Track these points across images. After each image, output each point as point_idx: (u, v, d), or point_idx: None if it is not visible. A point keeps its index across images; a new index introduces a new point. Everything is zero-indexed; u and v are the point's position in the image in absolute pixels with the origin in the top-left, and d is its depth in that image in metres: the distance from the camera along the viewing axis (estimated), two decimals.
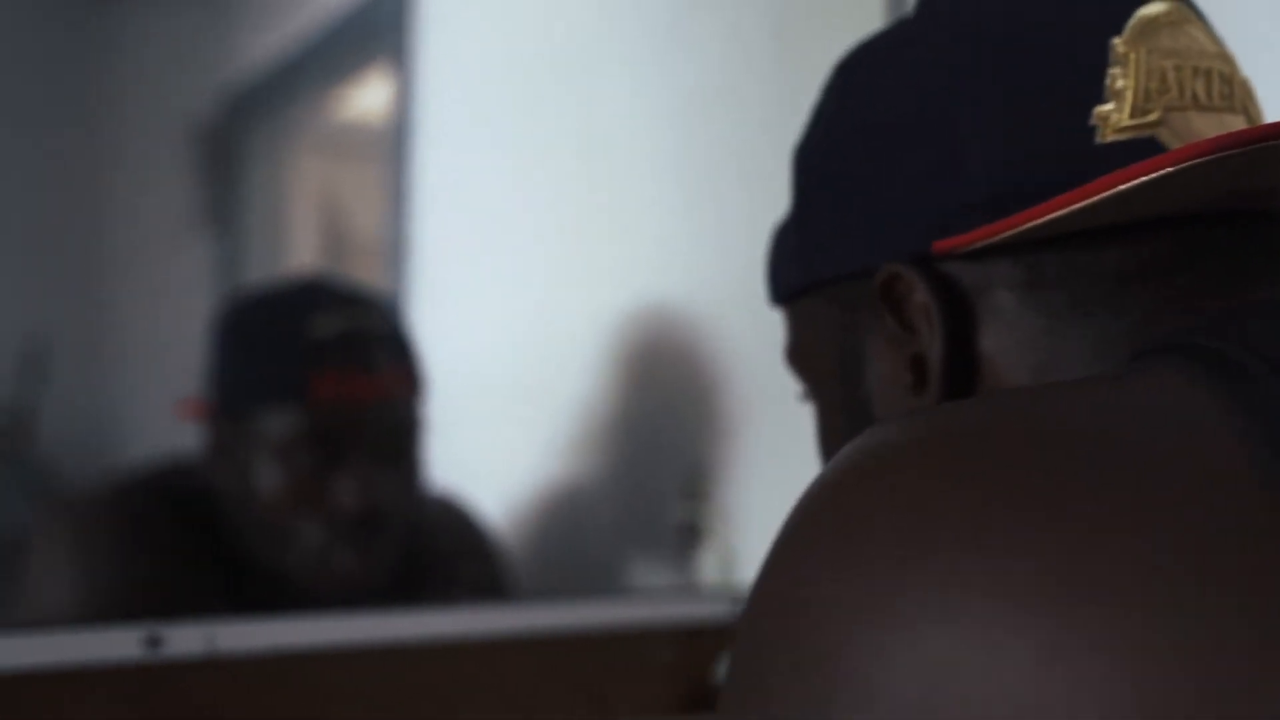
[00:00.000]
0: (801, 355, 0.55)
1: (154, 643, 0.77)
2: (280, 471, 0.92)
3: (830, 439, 0.54)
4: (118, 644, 0.76)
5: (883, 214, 0.49)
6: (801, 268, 0.53)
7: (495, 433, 1.48)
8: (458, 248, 1.63)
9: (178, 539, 0.93)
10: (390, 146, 1.69)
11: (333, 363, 0.94)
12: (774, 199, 1.26)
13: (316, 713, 0.83)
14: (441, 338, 1.63)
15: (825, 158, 0.52)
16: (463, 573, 1.05)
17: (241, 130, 1.98)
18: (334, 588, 0.92)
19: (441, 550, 1.03)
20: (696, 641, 0.97)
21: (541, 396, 1.44)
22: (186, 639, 0.78)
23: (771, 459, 1.23)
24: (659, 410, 1.33)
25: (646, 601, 0.97)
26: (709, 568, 1.09)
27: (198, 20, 1.97)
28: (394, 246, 1.65)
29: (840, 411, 0.53)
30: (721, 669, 0.92)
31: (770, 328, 1.27)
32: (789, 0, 1.33)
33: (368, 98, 2.11)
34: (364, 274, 2.40)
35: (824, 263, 0.51)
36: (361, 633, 0.85)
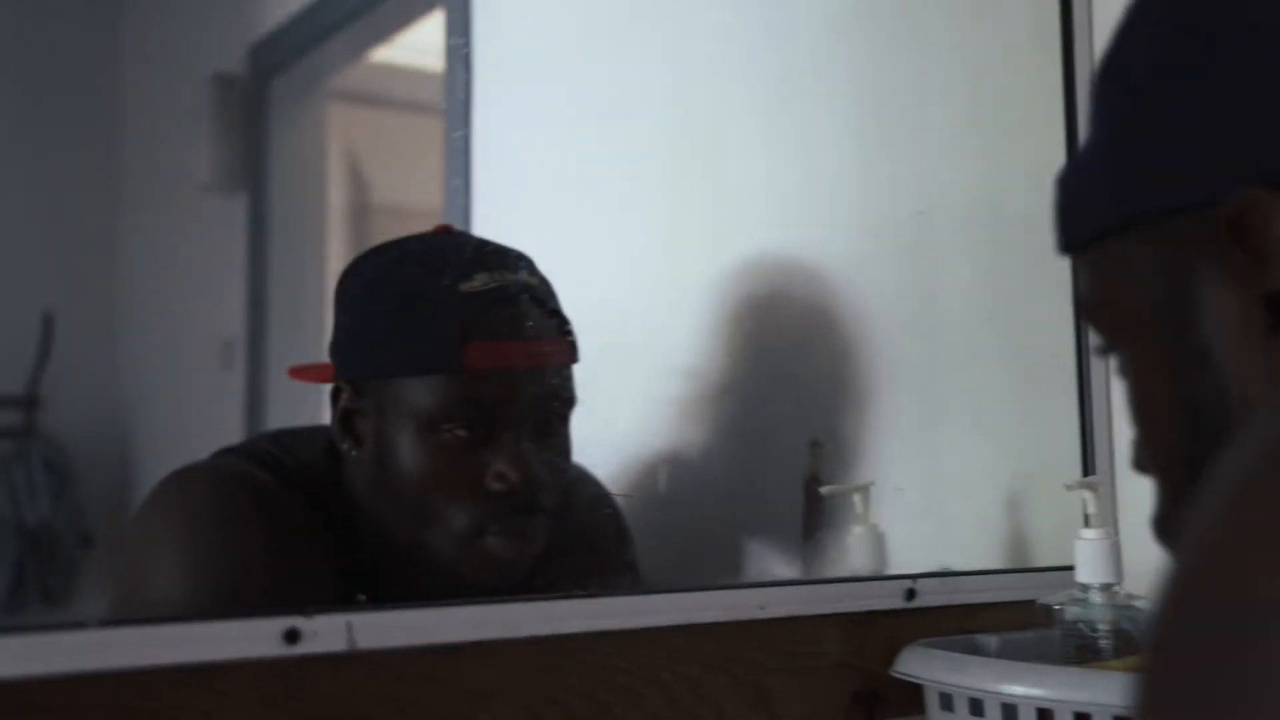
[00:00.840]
0: (1109, 306, 0.47)
1: (292, 637, 0.70)
2: (429, 447, 0.82)
3: (1154, 398, 0.46)
4: (256, 639, 0.69)
5: (1232, 132, 0.41)
6: (1116, 204, 0.45)
7: (598, 404, 1.39)
8: (530, 207, 1.54)
9: (303, 522, 0.84)
10: (445, 95, 1.60)
11: (490, 326, 0.84)
12: (893, 142, 1.16)
13: (463, 711, 0.76)
14: None
15: (1151, 72, 0.44)
16: (602, 556, 0.96)
17: (273, 82, 1.87)
18: (483, 577, 0.83)
19: (578, 530, 0.95)
20: (865, 631, 0.88)
21: (648, 365, 1.35)
22: (326, 633, 0.71)
23: (907, 431, 1.14)
24: (779, 376, 1.24)
25: (809, 589, 0.89)
26: (858, 552, 1.01)
27: None
28: (455, 209, 1.56)
29: (1167, 365, 0.45)
30: (903, 661, 0.84)
31: (895, 282, 1.17)
32: None
33: (418, 43, 1.96)
34: None
35: (1149, 195, 0.44)
36: (507, 625, 0.78)
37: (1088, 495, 0.86)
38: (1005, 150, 1.05)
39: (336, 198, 2.15)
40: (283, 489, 0.85)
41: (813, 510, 1.08)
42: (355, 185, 2.17)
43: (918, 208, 1.11)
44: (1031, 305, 1.05)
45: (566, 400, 0.88)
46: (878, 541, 1.01)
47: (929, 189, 1.10)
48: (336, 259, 2.18)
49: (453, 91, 1.61)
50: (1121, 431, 0.97)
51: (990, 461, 1.06)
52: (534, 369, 0.85)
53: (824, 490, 1.03)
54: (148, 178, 1.92)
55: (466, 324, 0.83)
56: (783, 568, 1.13)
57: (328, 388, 0.87)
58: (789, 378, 1.23)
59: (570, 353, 0.89)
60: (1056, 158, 1.00)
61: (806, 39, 1.21)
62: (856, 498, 1.01)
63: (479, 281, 0.84)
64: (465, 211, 1.59)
